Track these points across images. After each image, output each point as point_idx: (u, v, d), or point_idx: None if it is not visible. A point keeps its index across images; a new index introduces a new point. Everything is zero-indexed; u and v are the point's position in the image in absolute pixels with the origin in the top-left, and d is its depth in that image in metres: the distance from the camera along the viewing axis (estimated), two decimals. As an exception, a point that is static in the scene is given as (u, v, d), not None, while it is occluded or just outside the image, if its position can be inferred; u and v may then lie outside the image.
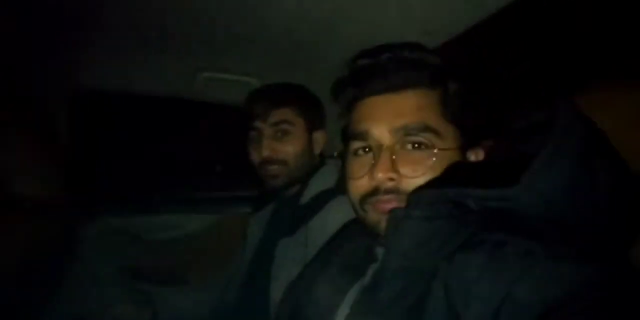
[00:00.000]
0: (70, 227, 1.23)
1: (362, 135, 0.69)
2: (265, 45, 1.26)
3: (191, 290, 1.42)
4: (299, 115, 1.16)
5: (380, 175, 0.64)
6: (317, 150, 1.22)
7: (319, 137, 1.22)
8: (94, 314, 1.30)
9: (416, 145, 0.66)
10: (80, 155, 1.39)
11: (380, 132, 0.67)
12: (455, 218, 0.57)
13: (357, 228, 0.81)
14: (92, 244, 1.52)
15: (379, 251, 0.70)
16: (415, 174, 0.64)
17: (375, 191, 0.66)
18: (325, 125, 1.26)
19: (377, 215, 0.66)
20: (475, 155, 0.70)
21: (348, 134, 0.73)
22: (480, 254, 0.51)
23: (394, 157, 0.65)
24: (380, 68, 0.70)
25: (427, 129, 0.65)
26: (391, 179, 0.65)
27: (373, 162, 0.66)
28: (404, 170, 0.65)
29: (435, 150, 0.65)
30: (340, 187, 1.12)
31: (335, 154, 0.79)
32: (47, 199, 1.11)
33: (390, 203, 0.64)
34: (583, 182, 0.51)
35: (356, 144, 0.71)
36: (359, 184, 0.68)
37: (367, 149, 0.69)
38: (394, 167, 0.65)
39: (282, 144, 1.14)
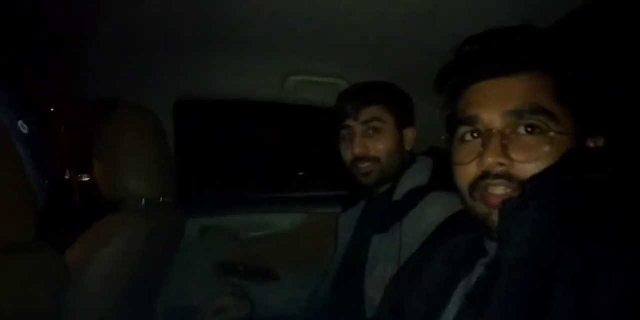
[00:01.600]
0: (178, 224, 1.32)
1: (471, 120, 0.65)
2: (351, 46, 1.28)
3: (283, 287, 1.46)
4: (390, 112, 1.16)
5: (490, 160, 0.60)
6: (408, 147, 1.21)
7: (409, 134, 1.21)
8: (197, 307, 1.39)
9: (529, 130, 0.61)
10: (183, 158, 1.51)
11: (491, 116, 0.63)
12: (574, 206, 0.53)
13: (461, 222, 0.79)
14: (194, 241, 1.63)
15: (490, 245, 0.66)
16: (529, 159, 0.60)
17: (484, 176, 0.62)
18: (415, 123, 1.24)
19: (487, 208, 0.63)
20: (595, 143, 0.65)
21: (454, 122, 0.70)
22: (606, 241, 0.48)
23: (505, 142, 0.62)
24: (489, 52, 0.66)
25: (541, 111, 0.61)
26: (502, 164, 0.61)
27: (482, 148, 0.63)
28: (515, 155, 0.61)
29: (551, 134, 0.60)
30: (433, 184, 1.10)
31: (443, 138, 0.76)
32: (159, 198, 1.21)
33: (501, 191, 0.61)
34: None
35: (464, 129, 0.67)
36: (467, 170, 0.65)
37: (475, 135, 0.66)
38: (505, 152, 0.61)
39: (374, 142, 1.14)
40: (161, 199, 1.22)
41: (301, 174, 2.29)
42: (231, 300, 1.27)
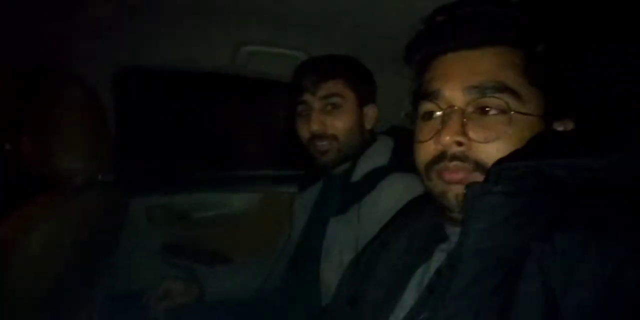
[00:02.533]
0: (118, 204, 1.22)
1: (433, 95, 0.62)
2: (312, 16, 1.20)
3: (235, 270, 1.40)
4: (350, 88, 1.10)
5: (447, 139, 0.58)
6: (369, 125, 1.16)
7: (370, 111, 1.15)
8: (143, 289, 1.31)
9: (489, 109, 0.59)
10: (125, 133, 1.39)
11: (452, 91, 0.60)
12: (541, 193, 0.51)
13: (422, 206, 0.75)
14: (140, 221, 1.54)
15: (450, 231, 0.64)
16: (487, 139, 0.57)
17: (441, 157, 0.60)
18: (376, 100, 1.19)
19: (443, 184, 0.60)
20: (564, 126, 0.62)
21: (418, 96, 0.66)
22: (581, 231, 0.45)
23: (464, 120, 0.59)
24: (458, 23, 0.62)
25: (505, 89, 0.58)
26: (459, 144, 0.58)
27: (440, 126, 0.60)
28: (474, 134, 0.58)
29: (513, 114, 0.57)
30: (393, 165, 1.06)
31: (403, 114, 0.72)
32: (96, 176, 1.11)
33: (457, 173, 0.58)
34: None
35: (426, 106, 0.64)
36: (425, 149, 0.63)
37: (437, 113, 0.63)
38: (463, 130, 0.58)
39: (332, 118, 1.08)
40: (99, 177, 1.12)
41: (256, 151, 2.20)
42: (178, 284, 1.20)
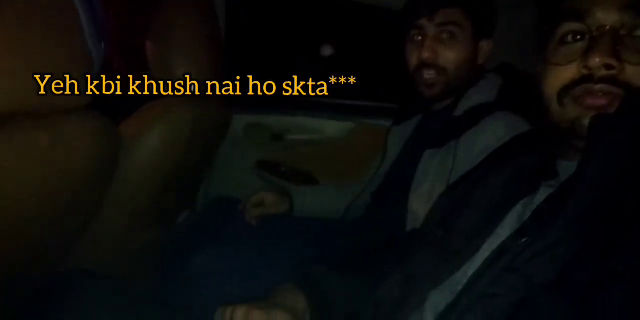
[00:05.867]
0: (223, 118, 1.30)
1: (582, 15, 0.55)
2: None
3: (322, 193, 1.46)
4: (470, 18, 1.01)
5: (597, 60, 0.51)
6: (481, 60, 1.08)
7: (485, 46, 1.07)
8: (235, 198, 1.43)
9: None
10: (236, 51, 1.44)
11: (606, 11, 0.53)
12: None
13: (529, 143, 0.71)
14: (238, 137, 1.64)
15: (564, 165, 0.59)
16: None
17: (584, 79, 0.53)
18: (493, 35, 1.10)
19: (579, 109, 0.54)
20: None
21: (555, 16, 0.58)
22: None
23: (618, 43, 0.52)
24: None
25: None
26: (610, 67, 0.51)
27: (586, 50, 0.53)
28: (628, 57, 0.51)
29: None
30: (500, 103, 1.00)
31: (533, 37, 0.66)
32: (207, 86, 1.17)
33: (602, 98, 0.52)
34: None
35: (569, 27, 0.56)
36: (563, 73, 0.55)
37: (579, 37, 0.56)
38: (616, 53, 0.51)
39: (445, 48, 1.02)
40: (209, 86, 1.18)
41: (354, 80, 2.16)
42: (273, 195, 1.29)
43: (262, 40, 2.14)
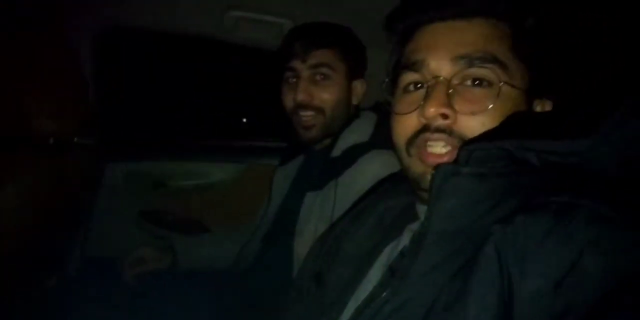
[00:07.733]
0: (95, 169, 1.20)
1: (417, 66, 0.59)
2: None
3: (212, 240, 1.40)
4: (342, 59, 1.05)
5: (432, 111, 0.54)
6: (355, 100, 1.12)
7: (358, 86, 1.11)
8: (116, 256, 1.30)
9: (477, 82, 0.56)
10: (104, 95, 1.34)
11: (439, 62, 0.57)
12: (511, 176, 0.49)
13: (395, 184, 0.73)
14: (116, 187, 1.51)
15: (421, 210, 0.62)
16: (473, 112, 0.55)
17: (423, 130, 0.57)
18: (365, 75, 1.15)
19: (423, 166, 0.57)
20: (542, 106, 0.61)
21: (399, 68, 0.63)
22: (545, 217, 0.43)
23: (450, 92, 0.56)
24: None
25: (494, 60, 0.55)
26: (444, 116, 0.55)
27: (424, 99, 0.57)
28: (460, 107, 0.55)
29: (501, 85, 0.55)
30: (375, 142, 1.04)
31: (383, 86, 0.69)
32: (72, 138, 1.08)
33: (439, 149, 0.56)
34: None
35: (408, 78, 0.61)
36: (406, 122, 0.59)
37: (419, 85, 0.60)
38: (449, 102, 0.55)
39: (319, 89, 1.04)
40: (75, 139, 1.09)
41: (244, 120, 2.15)
42: (152, 251, 1.19)
43: (136, 85, 2.05)
